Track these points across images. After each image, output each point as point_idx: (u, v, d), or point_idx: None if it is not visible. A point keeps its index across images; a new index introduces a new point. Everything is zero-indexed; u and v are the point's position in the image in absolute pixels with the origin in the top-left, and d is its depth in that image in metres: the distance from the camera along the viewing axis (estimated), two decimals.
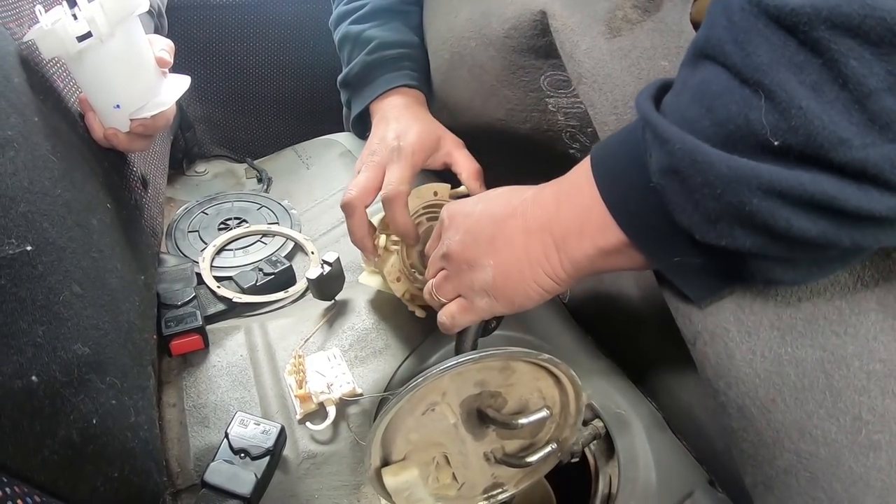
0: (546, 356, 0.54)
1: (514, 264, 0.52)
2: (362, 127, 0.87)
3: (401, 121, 0.77)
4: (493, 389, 0.57)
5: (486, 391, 0.57)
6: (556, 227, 0.50)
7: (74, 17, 0.62)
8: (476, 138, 0.85)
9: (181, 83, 0.76)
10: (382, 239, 0.72)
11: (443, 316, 0.59)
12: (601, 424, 0.65)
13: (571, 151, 0.74)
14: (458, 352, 0.60)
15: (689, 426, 0.66)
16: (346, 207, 0.72)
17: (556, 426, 0.61)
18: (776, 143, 0.34)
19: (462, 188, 0.72)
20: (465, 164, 0.75)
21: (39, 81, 0.63)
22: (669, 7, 0.56)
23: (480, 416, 0.58)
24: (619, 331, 0.76)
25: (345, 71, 0.88)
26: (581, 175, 0.49)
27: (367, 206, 0.71)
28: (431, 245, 0.62)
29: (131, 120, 0.71)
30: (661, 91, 0.44)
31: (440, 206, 0.72)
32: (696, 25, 0.53)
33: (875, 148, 0.31)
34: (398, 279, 0.72)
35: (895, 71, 0.30)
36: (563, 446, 0.60)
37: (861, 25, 0.30)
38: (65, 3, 0.67)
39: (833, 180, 0.33)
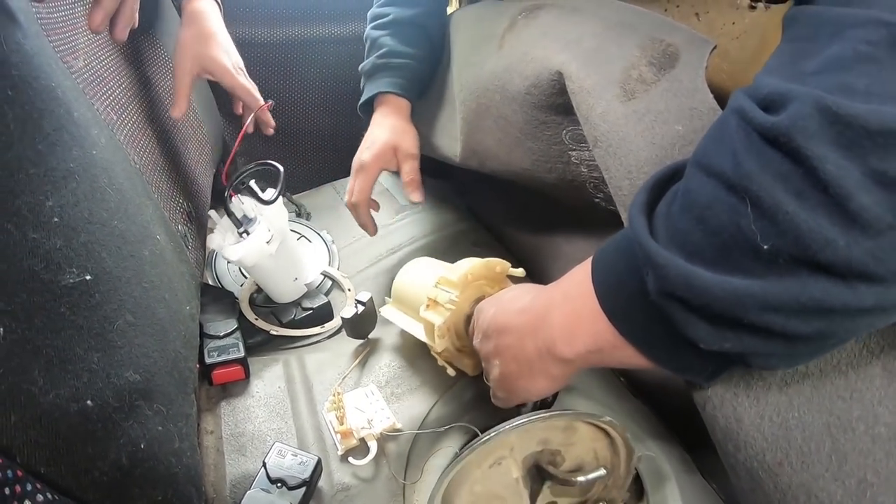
0: (607, 418, 0.57)
1: (513, 365, 0.57)
2: (365, 111, 1.03)
3: (378, 129, 0.96)
4: (555, 448, 0.59)
5: (548, 449, 0.59)
6: (545, 333, 0.53)
7: (245, 233, 0.80)
8: (506, 184, 0.87)
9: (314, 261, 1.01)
10: (440, 294, 0.71)
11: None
12: None
13: (597, 200, 0.74)
14: None
15: (720, 469, 0.65)
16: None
17: (604, 487, 0.63)
18: (766, 247, 0.35)
19: (520, 270, 0.73)
20: (403, 174, 0.94)
21: (94, 115, 0.66)
22: (684, 63, 0.57)
23: (539, 473, 0.60)
24: (649, 374, 0.76)
25: (363, 63, 1.03)
26: (574, 282, 0.52)
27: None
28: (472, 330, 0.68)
29: None
30: (655, 191, 0.46)
31: (498, 279, 0.74)
32: (710, 86, 0.54)
33: (858, 246, 0.33)
34: (443, 336, 0.72)
35: (868, 172, 0.32)
36: None
37: (830, 131, 0.32)
38: (219, 214, 0.85)
39: (821, 283, 0.35)
